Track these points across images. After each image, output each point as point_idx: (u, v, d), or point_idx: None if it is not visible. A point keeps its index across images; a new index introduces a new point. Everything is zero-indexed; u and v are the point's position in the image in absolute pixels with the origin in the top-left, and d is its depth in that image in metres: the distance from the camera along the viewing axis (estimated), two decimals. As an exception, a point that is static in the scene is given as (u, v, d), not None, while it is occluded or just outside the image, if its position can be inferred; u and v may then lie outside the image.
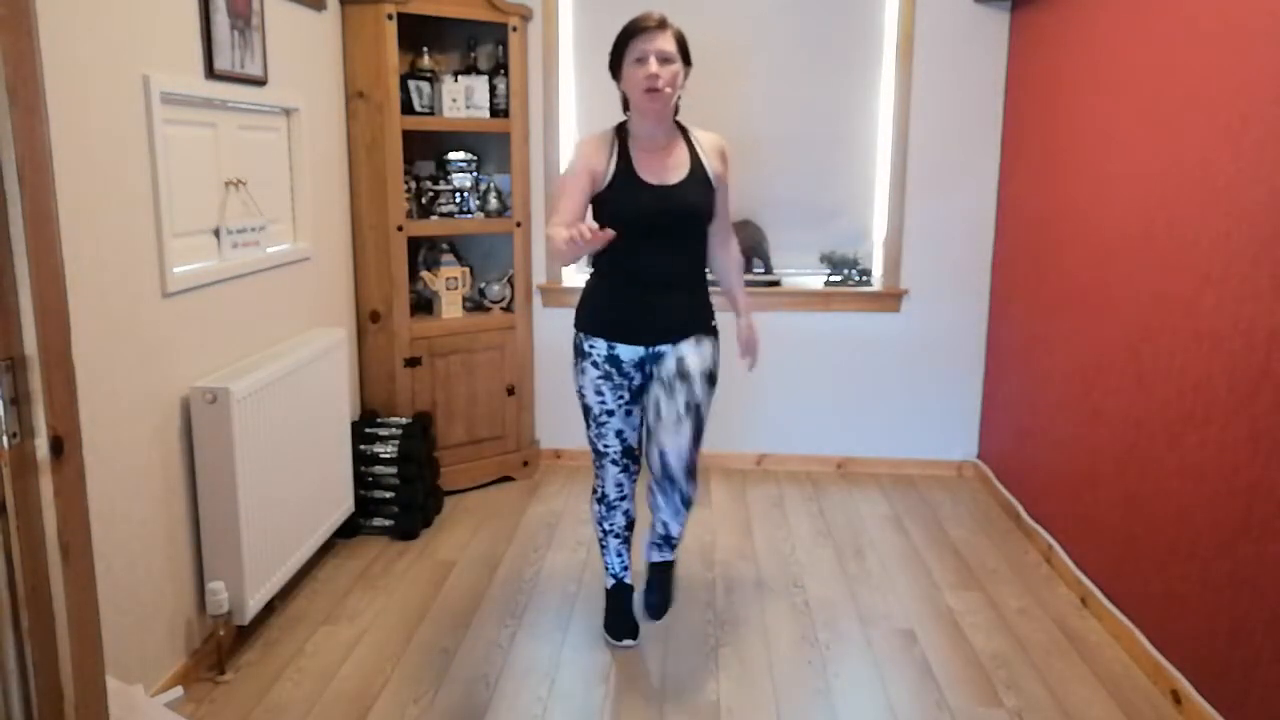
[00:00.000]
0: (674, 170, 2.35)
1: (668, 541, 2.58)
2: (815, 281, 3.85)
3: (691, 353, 2.35)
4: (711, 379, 2.38)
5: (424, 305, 3.63)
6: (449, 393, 3.55)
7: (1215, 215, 2.16)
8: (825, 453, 3.95)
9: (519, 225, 3.65)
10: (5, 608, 1.11)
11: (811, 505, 3.56)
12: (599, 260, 2.43)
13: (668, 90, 2.26)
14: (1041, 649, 2.54)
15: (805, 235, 3.83)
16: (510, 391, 3.71)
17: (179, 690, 2.22)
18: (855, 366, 3.87)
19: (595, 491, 2.55)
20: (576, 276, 3.94)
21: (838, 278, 3.80)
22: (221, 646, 2.37)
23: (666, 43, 2.25)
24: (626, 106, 2.38)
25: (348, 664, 2.44)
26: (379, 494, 3.21)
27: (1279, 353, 1.92)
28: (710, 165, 2.40)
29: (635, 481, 2.53)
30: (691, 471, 2.33)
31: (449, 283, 3.54)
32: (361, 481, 3.20)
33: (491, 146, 3.67)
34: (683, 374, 2.31)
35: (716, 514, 3.48)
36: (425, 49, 3.46)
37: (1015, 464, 3.48)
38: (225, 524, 2.33)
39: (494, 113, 3.52)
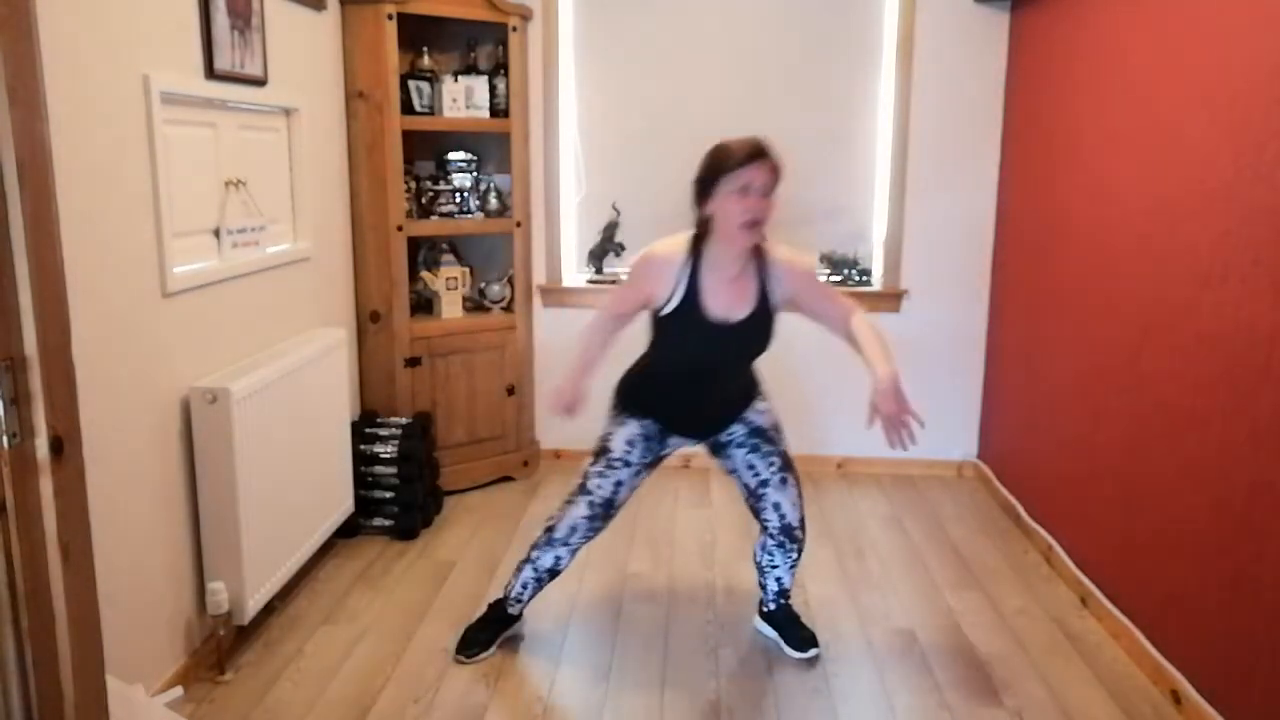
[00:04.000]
0: (741, 303, 2.25)
1: (783, 594, 2.58)
2: (815, 281, 3.85)
3: (752, 413, 2.46)
4: (779, 429, 2.51)
5: (424, 305, 3.63)
6: (449, 393, 3.55)
7: (1215, 215, 2.16)
8: (825, 453, 3.95)
9: (519, 225, 3.65)
10: (5, 608, 1.11)
11: (811, 505, 3.55)
12: (654, 353, 2.40)
13: (764, 227, 2.17)
14: (1041, 649, 2.54)
15: (805, 235, 3.83)
16: (510, 391, 3.71)
17: (179, 690, 2.22)
18: (855, 366, 3.86)
19: (549, 521, 2.42)
20: (576, 277, 3.94)
21: (838, 278, 3.80)
22: (221, 646, 2.37)
23: (772, 176, 2.14)
24: (701, 224, 2.23)
25: (348, 664, 2.44)
26: (379, 494, 3.21)
27: (1279, 353, 1.92)
28: (779, 292, 2.29)
29: (587, 540, 2.40)
30: (804, 520, 2.51)
31: (449, 283, 3.54)
32: (361, 481, 3.20)
33: (491, 146, 3.67)
34: (757, 431, 2.46)
35: (716, 514, 3.48)
36: (425, 49, 3.46)
37: (1015, 464, 3.48)
38: (225, 524, 2.33)
39: (494, 113, 3.52)
